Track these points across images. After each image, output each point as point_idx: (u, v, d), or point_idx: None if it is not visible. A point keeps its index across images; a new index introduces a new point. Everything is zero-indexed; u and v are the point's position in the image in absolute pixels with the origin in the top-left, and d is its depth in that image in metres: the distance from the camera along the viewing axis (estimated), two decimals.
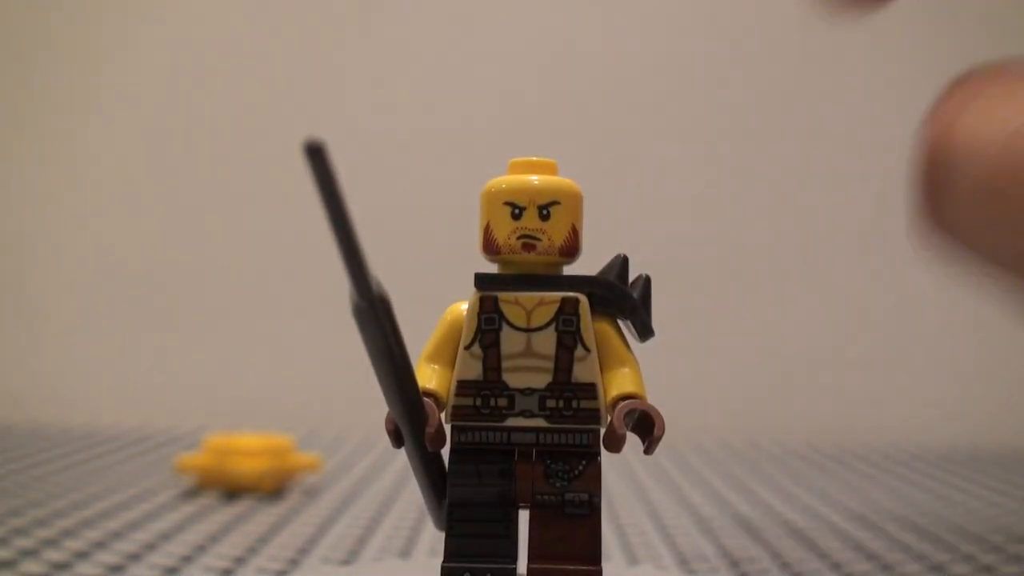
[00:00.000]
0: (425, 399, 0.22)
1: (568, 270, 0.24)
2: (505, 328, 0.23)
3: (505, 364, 0.23)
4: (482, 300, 0.23)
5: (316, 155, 0.18)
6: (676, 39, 0.75)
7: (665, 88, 0.75)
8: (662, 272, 0.24)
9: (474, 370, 0.23)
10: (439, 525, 0.24)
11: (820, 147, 0.75)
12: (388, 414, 0.22)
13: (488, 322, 0.23)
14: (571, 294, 0.23)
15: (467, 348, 0.23)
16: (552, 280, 0.23)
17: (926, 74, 0.79)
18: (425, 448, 0.22)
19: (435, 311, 0.24)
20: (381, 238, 0.73)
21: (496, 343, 0.23)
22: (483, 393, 0.23)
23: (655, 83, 0.75)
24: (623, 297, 0.23)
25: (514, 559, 0.23)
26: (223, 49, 0.75)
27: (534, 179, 0.23)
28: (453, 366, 0.23)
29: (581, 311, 0.23)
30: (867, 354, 0.75)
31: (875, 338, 0.75)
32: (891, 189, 0.76)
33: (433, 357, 0.24)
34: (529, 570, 0.23)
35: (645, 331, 0.23)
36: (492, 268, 0.24)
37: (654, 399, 0.23)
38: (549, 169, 0.23)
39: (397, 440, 0.23)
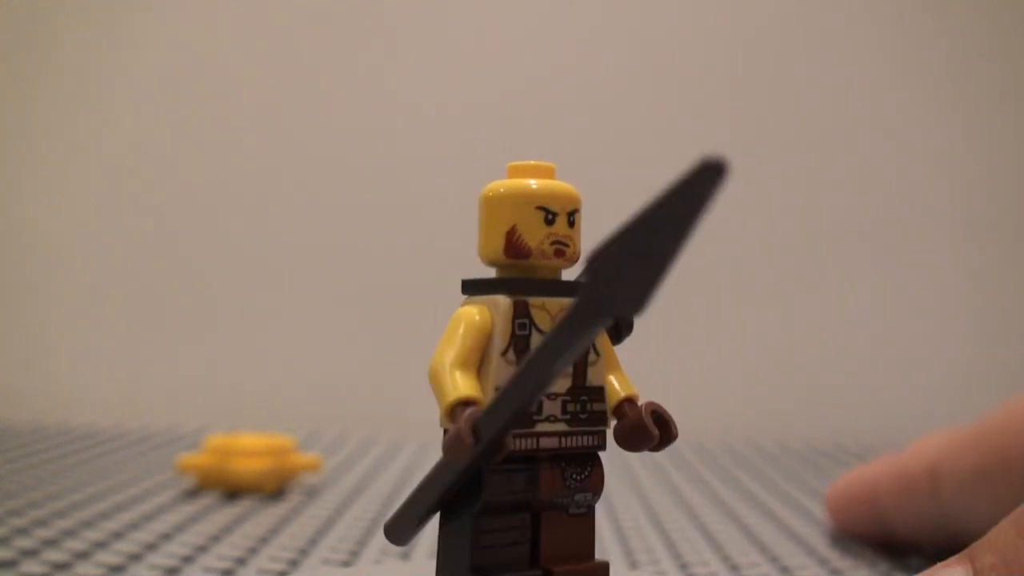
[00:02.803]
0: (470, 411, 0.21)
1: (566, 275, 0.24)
2: (535, 333, 0.23)
3: None
4: (515, 305, 0.23)
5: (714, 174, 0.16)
6: (679, 43, 0.75)
7: (666, 89, 0.75)
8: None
9: (510, 376, 0.23)
10: (393, 536, 0.24)
11: (821, 150, 0.76)
12: (467, 419, 0.20)
13: (521, 327, 0.23)
14: None
15: (503, 354, 0.22)
16: (567, 285, 0.23)
17: (927, 76, 0.79)
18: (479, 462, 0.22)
19: (443, 314, 0.24)
20: (382, 241, 0.74)
21: (527, 348, 0.23)
22: None
23: (654, 85, 0.75)
24: None
25: (527, 566, 0.23)
26: (228, 48, 0.75)
27: (562, 185, 0.23)
28: (481, 372, 0.22)
29: None
30: (867, 355, 0.75)
31: (876, 339, 0.75)
32: (893, 191, 0.77)
33: (465, 364, 0.22)
34: (552, 573, 0.23)
35: (621, 333, 0.24)
36: (478, 273, 0.24)
37: (656, 399, 0.23)
38: (548, 173, 0.23)
39: (473, 449, 0.20)
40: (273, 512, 0.43)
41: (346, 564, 0.35)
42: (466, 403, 0.21)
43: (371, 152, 0.75)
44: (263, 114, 0.75)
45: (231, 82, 0.75)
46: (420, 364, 0.24)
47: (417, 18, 0.75)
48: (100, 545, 0.36)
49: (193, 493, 0.46)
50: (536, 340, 0.22)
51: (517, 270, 0.23)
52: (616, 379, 0.23)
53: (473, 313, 0.22)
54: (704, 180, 0.16)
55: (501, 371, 0.22)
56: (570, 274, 0.23)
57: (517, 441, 0.22)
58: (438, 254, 0.72)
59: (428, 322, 0.28)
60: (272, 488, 0.46)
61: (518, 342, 0.22)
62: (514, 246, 0.23)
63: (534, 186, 0.23)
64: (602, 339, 0.23)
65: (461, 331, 0.22)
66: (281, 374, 0.73)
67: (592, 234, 0.28)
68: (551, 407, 0.23)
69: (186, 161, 0.75)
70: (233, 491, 0.46)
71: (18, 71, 0.76)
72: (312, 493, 0.47)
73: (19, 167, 0.76)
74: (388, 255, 0.74)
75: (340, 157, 0.75)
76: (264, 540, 0.38)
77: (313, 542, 0.38)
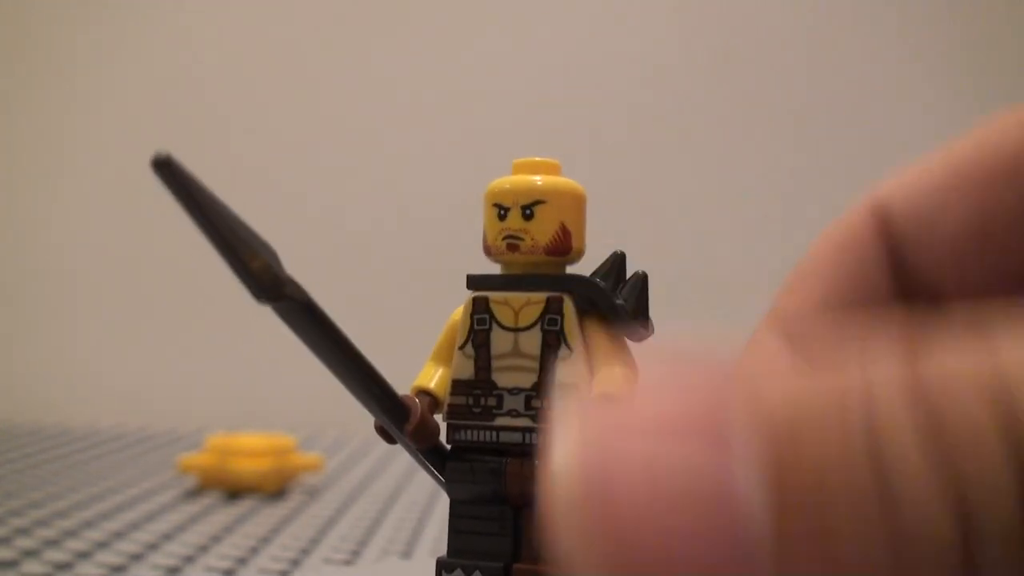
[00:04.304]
0: (406, 395, 0.23)
1: (573, 269, 0.23)
2: (495, 328, 0.23)
3: (494, 364, 0.23)
4: (474, 300, 0.23)
5: (164, 168, 0.17)
6: (685, 44, 0.75)
7: (672, 91, 0.75)
8: (665, 272, 0.24)
9: (467, 370, 0.23)
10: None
11: (822, 148, 0.76)
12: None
13: (480, 322, 0.23)
14: (556, 293, 0.23)
15: (461, 348, 0.23)
16: (539, 280, 0.23)
17: (928, 76, 0.79)
18: (412, 442, 0.23)
19: (442, 313, 0.24)
20: (390, 242, 0.74)
21: (487, 343, 0.23)
22: (475, 392, 0.23)
23: (663, 85, 0.75)
24: (602, 295, 0.23)
25: (508, 558, 0.23)
26: (232, 47, 0.75)
27: (522, 180, 0.23)
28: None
29: (565, 310, 0.22)
30: None
31: None
32: None
33: (437, 358, 0.24)
34: (513, 570, 0.23)
35: (629, 328, 0.23)
36: (497, 269, 0.24)
37: None
38: (551, 169, 0.23)
39: (386, 437, 0.23)
40: (274, 512, 0.43)
41: (347, 563, 0.35)
42: (419, 393, 0.23)
43: (373, 153, 0.75)
44: (267, 115, 0.75)
45: (234, 82, 0.75)
46: (421, 364, 0.24)
47: (425, 12, 0.75)
48: (102, 545, 0.36)
49: (194, 493, 0.46)
50: (497, 335, 0.23)
51: (509, 267, 0.23)
52: (600, 376, 0.22)
53: (458, 310, 0.23)
54: (168, 176, 0.17)
55: (459, 364, 0.23)
56: (580, 267, 0.23)
57: (476, 433, 0.23)
58: (440, 254, 0.72)
59: (429, 322, 0.28)
60: (273, 488, 0.46)
61: (477, 336, 0.23)
62: (483, 244, 0.23)
63: (494, 184, 0.23)
64: (583, 335, 0.22)
65: (444, 328, 0.24)
66: (282, 374, 0.73)
67: (607, 227, 0.28)
68: (512, 402, 0.23)
69: (187, 161, 0.75)
70: (234, 491, 0.46)
71: (16, 71, 0.76)
72: (313, 493, 0.47)
73: (20, 167, 0.76)
74: (389, 255, 0.74)
75: (343, 158, 0.75)
76: (265, 540, 0.38)
77: (314, 541, 0.38)
